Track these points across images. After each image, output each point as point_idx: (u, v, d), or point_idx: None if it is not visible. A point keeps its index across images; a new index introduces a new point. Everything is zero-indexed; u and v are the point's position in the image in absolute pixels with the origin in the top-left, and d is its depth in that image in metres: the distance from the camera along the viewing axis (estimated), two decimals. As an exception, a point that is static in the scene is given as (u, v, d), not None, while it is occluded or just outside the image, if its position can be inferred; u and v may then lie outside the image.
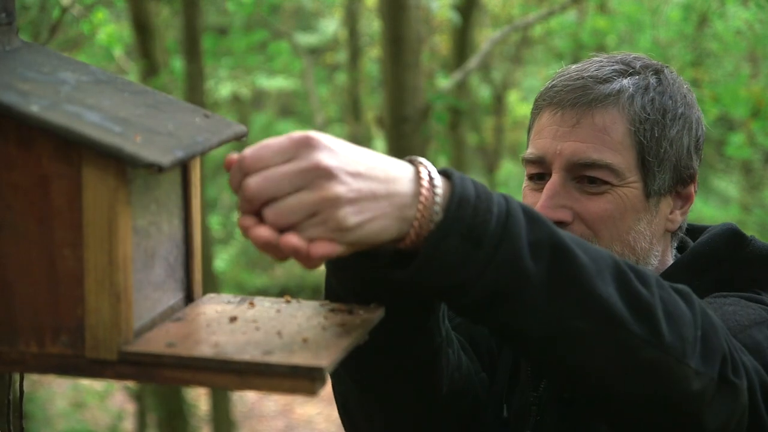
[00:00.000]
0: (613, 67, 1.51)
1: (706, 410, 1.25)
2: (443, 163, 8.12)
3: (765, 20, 5.97)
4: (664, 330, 1.20)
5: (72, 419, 7.36)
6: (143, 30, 5.99)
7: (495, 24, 8.42)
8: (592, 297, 1.16)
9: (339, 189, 1.04)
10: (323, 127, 6.22)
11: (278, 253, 1.05)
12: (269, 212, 1.04)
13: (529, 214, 1.16)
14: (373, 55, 8.63)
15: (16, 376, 1.13)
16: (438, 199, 1.10)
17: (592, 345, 1.17)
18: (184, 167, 1.17)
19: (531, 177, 1.53)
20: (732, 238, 1.54)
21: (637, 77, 1.50)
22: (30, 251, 1.02)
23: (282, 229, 1.04)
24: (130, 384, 6.53)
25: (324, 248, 1.04)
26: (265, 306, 1.16)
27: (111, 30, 4.63)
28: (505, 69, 8.56)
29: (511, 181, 9.88)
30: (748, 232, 1.59)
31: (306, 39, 9.27)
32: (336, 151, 1.05)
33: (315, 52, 9.53)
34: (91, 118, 1.00)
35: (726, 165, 7.89)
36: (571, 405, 1.49)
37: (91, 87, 1.09)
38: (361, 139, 8.84)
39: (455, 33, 7.50)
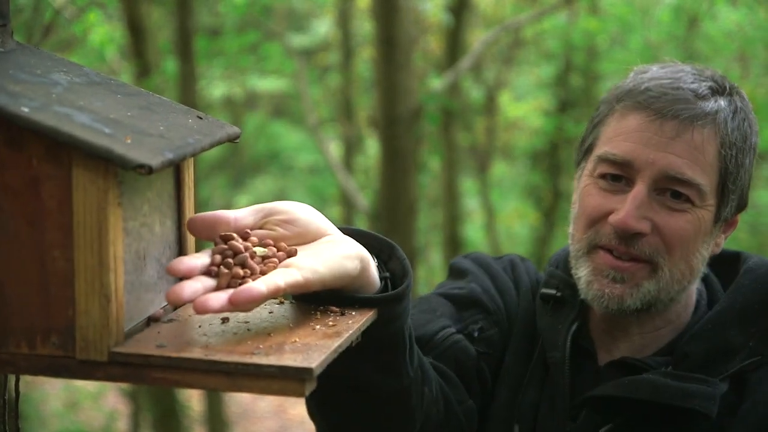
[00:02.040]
0: (708, 84, 1.48)
1: None
2: (436, 163, 8.11)
3: (755, 21, 5.99)
4: None
5: (66, 420, 7.34)
6: (136, 31, 5.98)
7: (487, 25, 8.42)
8: None
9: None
10: (316, 128, 6.22)
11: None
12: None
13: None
14: (365, 56, 8.63)
15: (12, 377, 1.13)
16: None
17: None
18: (177, 168, 1.17)
19: (604, 176, 1.48)
20: None
21: (728, 99, 1.48)
22: (20, 253, 1.02)
23: None
24: (123, 384, 6.52)
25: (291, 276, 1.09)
26: (258, 307, 1.16)
27: (104, 31, 4.63)
28: (497, 69, 8.56)
29: (504, 182, 9.88)
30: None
31: (298, 40, 9.26)
32: None
33: (307, 52, 9.52)
34: (81, 120, 1.01)
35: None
36: None
37: (84, 88, 1.10)
38: (353, 139, 8.84)
39: (447, 34, 7.50)
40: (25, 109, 0.98)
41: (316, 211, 1.20)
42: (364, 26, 8.42)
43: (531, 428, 1.53)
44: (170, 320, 1.11)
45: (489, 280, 1.63)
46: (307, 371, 0.99)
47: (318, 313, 1.15)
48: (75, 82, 1.10)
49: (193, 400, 7.43)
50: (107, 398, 7.89)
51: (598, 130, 1.51)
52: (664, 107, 1.45)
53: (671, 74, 1.49)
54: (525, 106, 8.85)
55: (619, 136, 1.47)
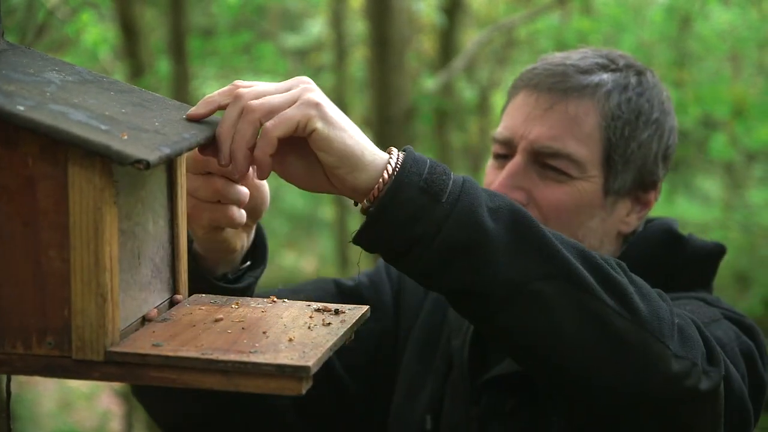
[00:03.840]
0: (596, 60, 1.50)
1: (690, 404, 1.22)
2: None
3: (747, 21, 6.01)
4: (639, 306, 1.18)
5: (59, 420, 7.33)
6: (129, 31, 5.97)
7: (480, 25, 8.43)
8: (557, 260, 1.15)
9: (318, 95, 1.13)
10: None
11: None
12: (255, 101, 1.11)
13: (488, 189, 1.19)
14: (358, 56, 8.63)
15: (3, 378, 1.13)
16: (398, 154, 1.15)
17: (559, 308, 1.15)
18: (169, 168, 1.17)
19: (497, 156, 1.52)
20: (668, 241, 1.52)
21: (618, 74, 1.49)
22: (16, 252, 1.02)
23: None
24: (117, 385, 6.51)
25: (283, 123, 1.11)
26: (251, 306, 1.17)
27: (97, 31, 4.62)
28: (490, 70, 8.57)
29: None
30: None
31: (292, 40, 9.26)
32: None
33: (301, 53, 9.51)
34: (77, 117, 1.01)
35: (709, 164, 7.93)
36: (515, 418, 1.47)
37: (77, 86, 1.10)
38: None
39: (440, 34, 7.51)
40: (21, 108, 0.98)
41: None
42: (358, 26, 8.42)
43: (438, 417, 1.53)
44: (165, 320, 1.12)
45: (386, 279, 1.63)
46: (304, 369, 0.99)
47: (312, 312, 1.15)
48: (68, 80, 1.10)
49: (187, 400, 7.41)
50: (101, 399, 7.87)
51: (501, 116, 1.56)
52: (541, 82, 1.48)
53: (564, 54, 1.53)
54: (518, 106, 8.84)
55: (507, 116, 1.51)
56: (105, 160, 0.99)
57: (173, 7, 5.77)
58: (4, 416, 1.17)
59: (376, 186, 1.14)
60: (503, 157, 1.50)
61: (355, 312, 1.16)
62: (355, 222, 7.40)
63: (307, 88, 1.14)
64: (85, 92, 1.09)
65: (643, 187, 1.52)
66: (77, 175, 1.00)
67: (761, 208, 7.09)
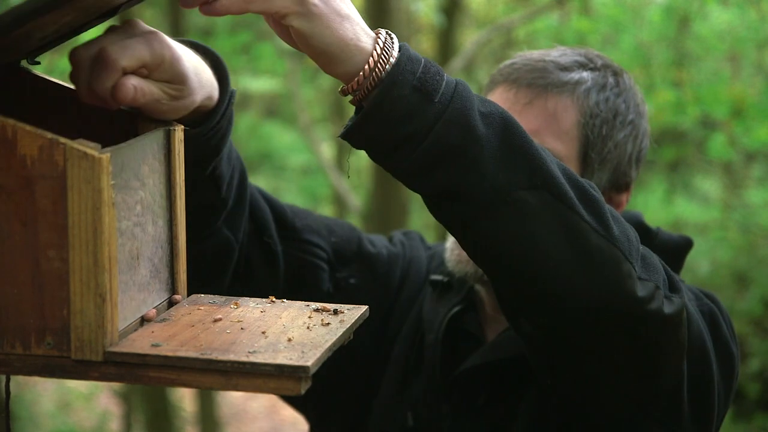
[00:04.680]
0: (575, 58, 1.50)
1: (654, 327, 1.23)
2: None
3: (746, 21, 6.01)
4: (612, 225, 1.20)
5: (58, 420, 7.33)
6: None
7: (479, 25, 8.44)
8: (542, 172, 1.16)
9: None
10: (308, 128, 6.22)
11: None
12: None
13: (480, 95, 1.19)
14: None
15: (2, 378, 1.13)
16: (394, 47, 1.14)
17: (540, 219, 1.16)
18: (169, 168, 1.17)
19: None
20: (640, 235, 1.53)
21: (597, 73, 1.49)
22: (15, 253, 1.02)
23: None
24: (116, 385, 6.52)
25: None
26: (250, 306, 1.17)
27: (96, 32, 4.62)
28: (489, 70, 8.58)
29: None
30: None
31: (290, 40, 9.27)
32: None
33: (299, 53, 9.52)
34: None
35: (708, 164, 7.94)
36: (488, 411, 1.48)
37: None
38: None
39: (439, 34, 7.51)
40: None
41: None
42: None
43: (417, 414, 1.54)
44: (163, 320, 1.12)
45: (400, 263, 1.63)
46: (303, 369, 0.99)
47: (311, 311, 1.15)
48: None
49: (186, 400, 7.42)
50: (99, 399, 7.88)
51: None
52: (521, 76, 1.48)
53: (544, 51, 1.52)
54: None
55: None
56: (104, 158, 0.99)
57: (172, 8, 5.78)
58: (3, 416, 1.17)
59: (356, 78, 1.13)
60: None
61: (354, 312, 1.16)
62: (354, 222, 7.39)
63: None
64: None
65: (616, 187, 1.52)
66: (76, 175, 1.00)
67: (760, 208, 7.09)
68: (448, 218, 1.22)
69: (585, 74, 1.48)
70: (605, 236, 1.19)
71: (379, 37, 1.15)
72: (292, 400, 1.69)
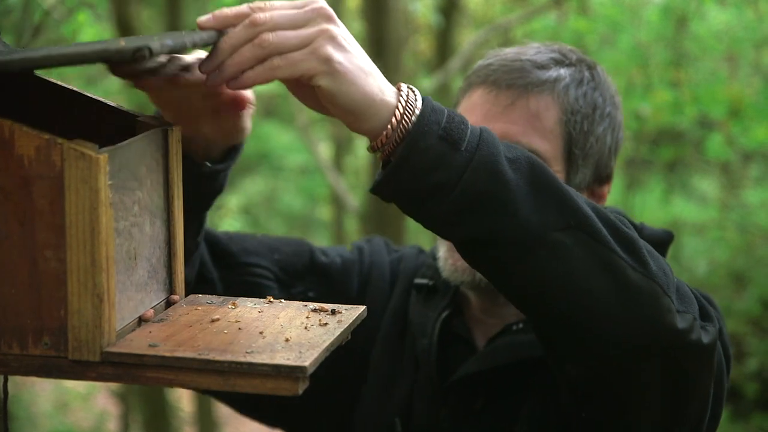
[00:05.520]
0: (550, 55, 1.49)
1: (694, 358, 1.24)
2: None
3: (743, 22, 6.01)
4: (648, 260, 1.20)
5: (56, 420, 7.33)
6: (125, 31, 5.97)
7: (476, 25, 8.44)
8: (575, 212, 1.16)
9: (336, 31, 1.12)
10: (306, 128, 6.22)
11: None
12: (270, 35, 1.10)
13: (504, 141, 1.19)
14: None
15: (0, 378, 1.13)
16: (417, 100, 1.15)
17: (578, 259, 1.16)
18: (166, 169, 1.17)
19: None
20: None
21: (573, 68, 1.49)
22: (12, 253, 1.02)
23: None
24: (113, 385, 6.51)
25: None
26: (248, 306, 1.17)
27: (93, 32, 4.61)
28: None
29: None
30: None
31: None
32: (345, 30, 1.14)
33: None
34: (65, 48, 1.00)
35: (706, 164, 7.95)
36: (486, 416, 1.47)
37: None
38: (343, 139, 8.84)
39: (437, 34, 7.51)
40: (15, 55, 0.98)
41: None
42: (354, 27, 8.42)
43: (408, 419, 1.53)
44: (161, 320, 1.12)
45: (358, 268, 1.63)
46: (300, 369, 0.99)
47: (309, 312, 1.15)
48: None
49: (183, 400, 7.41)
50: (97, 399, 7.87)
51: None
52: (499, 78, 1.47)
53: (517, 50, 1.52)
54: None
55: (464, 113, 1.49)
56: (101, 158, 0.99)
57: (169, 7, 5.78)
58: (1, 417, 1.17)
59: (384, 132, 1.14)
60: None
61: (351, 312, 1.16)
62: (352, 222, 7.39)
63: (324, 32, 1.12)
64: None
65: (599, 180, 1.52)
66: (73, 176, 1.00)
67: (758, 207, 7.09)
68: (485, 265, 1.22)
69: (562, 71, 1.48)
70: (643, 272, 1.19)
71: (401, 91, 1.16)
72: (263, 418, 1.68)
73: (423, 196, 1.15)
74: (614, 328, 1.20)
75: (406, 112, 1.14)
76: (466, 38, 7.53)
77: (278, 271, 1.57)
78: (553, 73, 1.47)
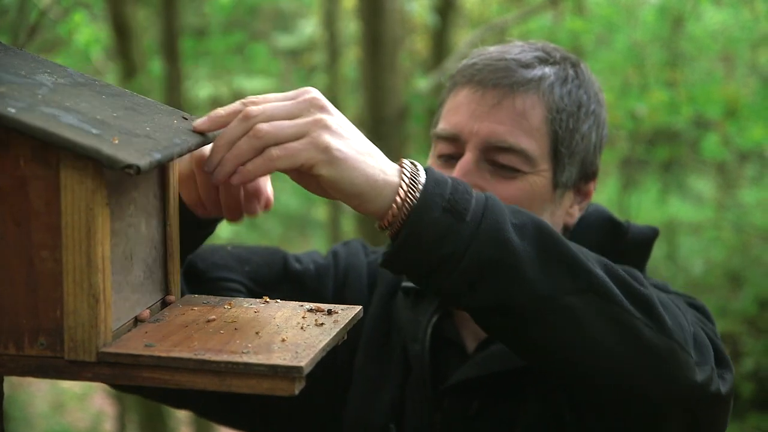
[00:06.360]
0: (534, 54, 1.50)
1: (713, 408, 1.25)
2: (422, 162, 8.09)
3: (739, 22, 6.02)
4: (663, 316, 1.20)
5: (52, 421, 7.32)
6: (122, 31, 5.96)
7: (472, 25, 8.44)
8: (585, 274, 1.17)
9: (331, 120, 1.13)
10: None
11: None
12: (265, 125, 1.11)
13: (510, 206, 1.19)
14: (351, 57, 8.63)
15: (-5, 378, 1.13)
16: (419, 174, 1.16)
17: (591, 322, 1.16)
18: (162, 169, 1.17)
19: (441, 156, 1.50)
20: (612, 229, 1.53)
21: (557, 67, 1.49)
22: (8, 253, 1.02)
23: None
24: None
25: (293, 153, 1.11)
26: (244, 307, 1.17)
27: (89, 32, 4.61)
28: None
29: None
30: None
31: (285, 40, 9.26)
32: (339, 116, 1.15)
33: (294, 53, 9.51)
34: (69, 120, 1.01)
35: (702, 164, 7.96)
36: (481, 420, 1.47)
37: (69, 89, 1.10)
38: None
39: (433, 34, 7.52)
40: (12, 110, 0.98)
41: None
42: (350, 26, 8.42)
43: (401, 423, 1.53)
44: (157, 320, 1.12)
45: (332, 273, 1.63)
46: (297, 369, 0.99)
47: (305, 312, 1.15)
48: (60, 83, 1.10)
49: (180, 401, 7.41)
50: (93, 399, 7.86)
51: (438, 112, 1.54)
52: (485, 77, 1.47)
53: (501, 48, 1.52)
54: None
55: (449, 112, 1.50)
56: (96, 163, 0.99)
57: (166, 7, 5.77)
58: (-3, 417, 1.17)
59: (390, 212, 1.16)
60: (450, 157, 1.49)
61: (347, 312, 1.16)
62: (349, 222, 7.39)
63: (319, 121, 1.13)
64: (77, 95, 1.09)
65: (585, 178, 1.53)
66: (69, 176, 1.00)
67: (753, 207, 7.10)
68: (497, 329, 1.23)
69: (547, 69, 1.48)
70: (657, 330, 1.20)
71: (404, 168, 1.17)
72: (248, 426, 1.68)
73: (431, 268, 1.16)
74: (635, 388, 1.20)
75: (410, 188, 1.15)
76: (463, 38, 7.54)
77: (249, 282, 1.57)
78: (538, 71, 1.47)
